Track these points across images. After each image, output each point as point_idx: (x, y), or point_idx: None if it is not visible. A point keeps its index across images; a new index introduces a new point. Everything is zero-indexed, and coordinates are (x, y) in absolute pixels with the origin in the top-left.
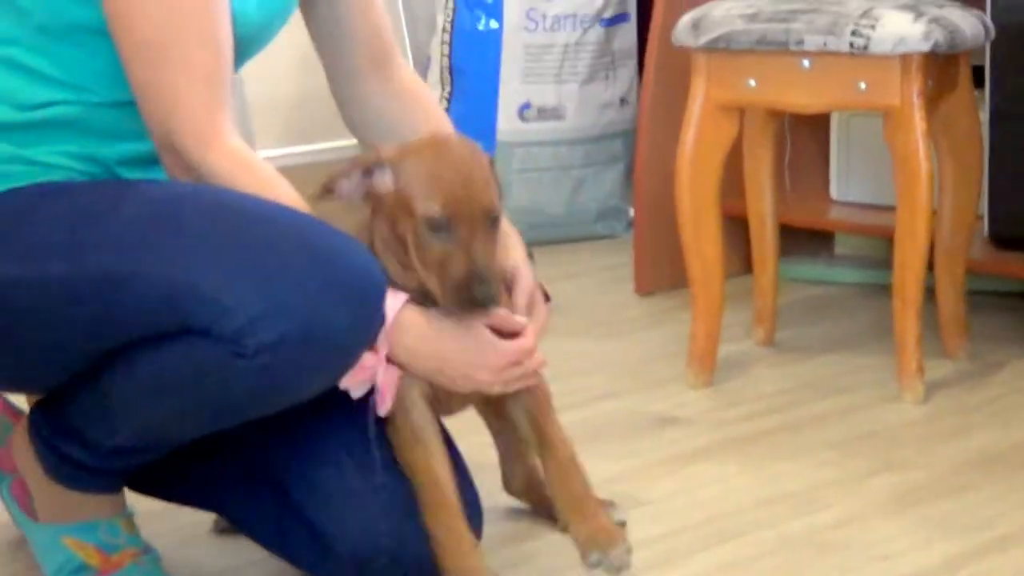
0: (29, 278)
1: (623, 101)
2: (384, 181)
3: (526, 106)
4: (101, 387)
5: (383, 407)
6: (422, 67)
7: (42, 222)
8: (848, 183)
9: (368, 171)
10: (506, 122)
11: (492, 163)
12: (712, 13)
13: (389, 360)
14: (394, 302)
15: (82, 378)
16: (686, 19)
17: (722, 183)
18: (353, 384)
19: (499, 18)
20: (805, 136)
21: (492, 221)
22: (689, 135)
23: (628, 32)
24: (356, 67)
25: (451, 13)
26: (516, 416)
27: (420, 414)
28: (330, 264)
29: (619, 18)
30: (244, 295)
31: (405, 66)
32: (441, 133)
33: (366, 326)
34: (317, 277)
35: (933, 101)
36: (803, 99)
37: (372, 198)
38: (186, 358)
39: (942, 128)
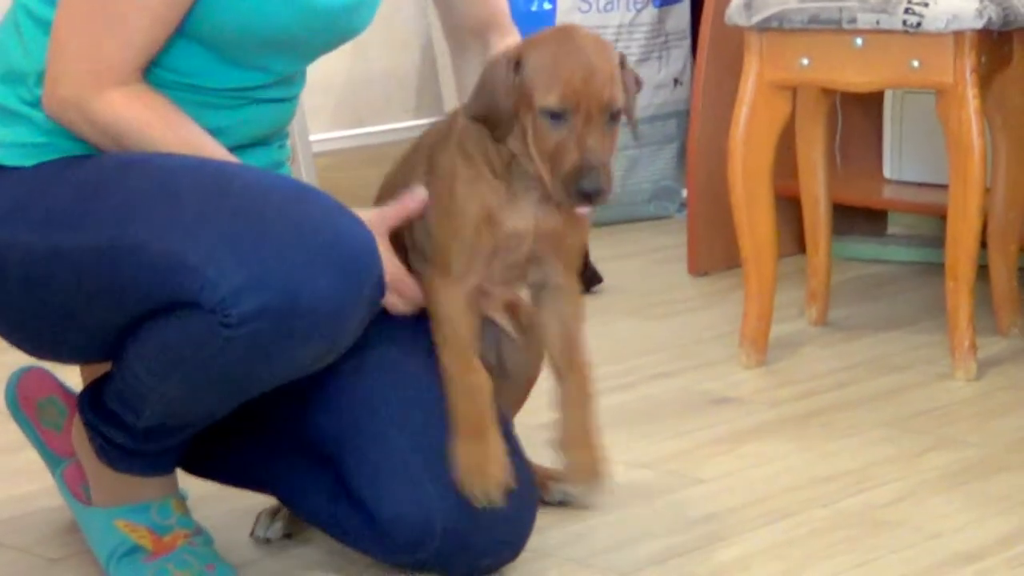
0: (41, 247)
1: (676, 82)
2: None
3: None
4: (120, 368)
5: None
6: None
7: (59, 192)
8: (901, 161)
9: (516, 64)
10: None
11: (624, 60)
12: None
13: None
14: None
15: (111, 361)
16: None
17: (775, 163)
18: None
19: (552, 0)
20: (858, 114)
21: (611, 116)
22: (742, 114)
23: (681, 12)
24: (458, 28)
25: None
26: (548, 323)
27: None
28: (316, 232)
29: None
30: (227, 265)
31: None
32: (567, 25)
33: (354, 292)
34: (301, 246)
35: (986, 78)
36: (856, 78)
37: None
38: (181, 330)
39: (995, 105)
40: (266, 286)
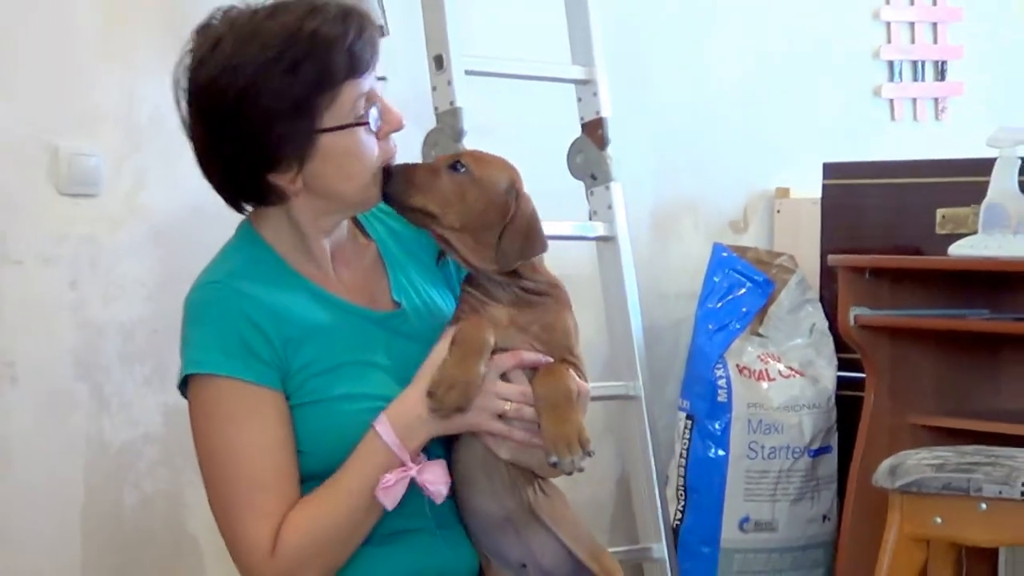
0: None
1: (825, 518)
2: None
3: (745, 519)
4: None
5: (439, 497)
6: (662, 484)
7: None
8: None
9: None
10: (729, 532)
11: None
12: (907, 461)
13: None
14: (381, 426)
15: None
16: (885, 466)
17: None
18: (387, 498)
19: (726, 448)
20: (979, 560)
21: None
22: (885, 560)
23: (830, 461)
24: None
25: (687, 442)
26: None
27: None
28: None
29: (823, 449)
30: None
31: None
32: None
33: None
34: None
35: None
36: (980, 536)
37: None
38: None
39: None
40: None
